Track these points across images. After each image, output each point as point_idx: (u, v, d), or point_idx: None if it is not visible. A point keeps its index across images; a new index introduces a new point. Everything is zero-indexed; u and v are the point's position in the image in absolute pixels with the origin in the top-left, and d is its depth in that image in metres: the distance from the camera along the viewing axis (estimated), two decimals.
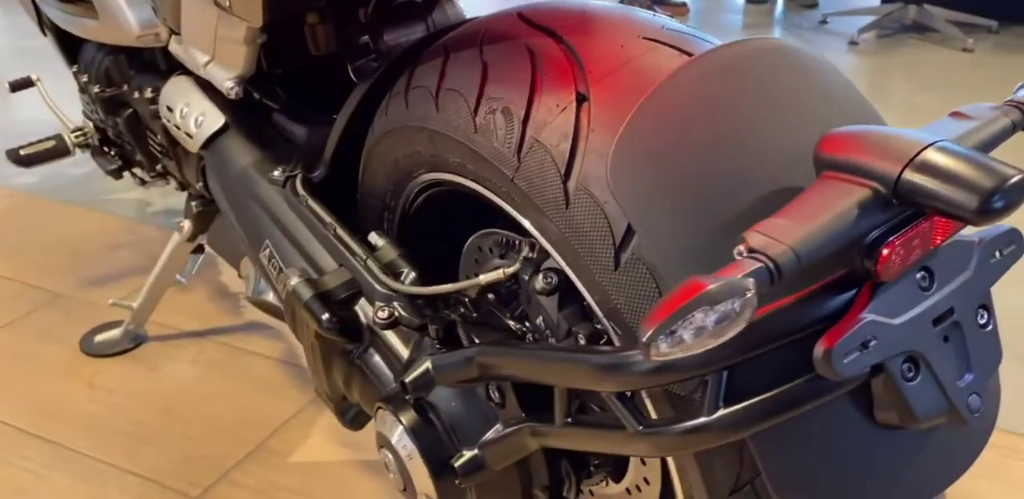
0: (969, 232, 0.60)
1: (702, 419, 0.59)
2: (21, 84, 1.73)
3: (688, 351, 0.49)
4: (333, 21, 1.03)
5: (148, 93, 1.32)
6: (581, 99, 0.67)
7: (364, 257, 0.92)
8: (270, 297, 1.19)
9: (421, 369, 0.81)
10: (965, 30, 3.09)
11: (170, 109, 1.25)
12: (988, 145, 0.56)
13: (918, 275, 0.57)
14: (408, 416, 0.83)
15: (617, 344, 0.69)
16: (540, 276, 0.77)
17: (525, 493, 0.84)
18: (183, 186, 1.45)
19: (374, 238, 0.96)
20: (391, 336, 0.90)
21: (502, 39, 0.74)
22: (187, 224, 1.46)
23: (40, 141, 1.67)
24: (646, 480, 0.85)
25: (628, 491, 0.88)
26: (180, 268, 1.55)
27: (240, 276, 1.32)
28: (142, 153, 1.45)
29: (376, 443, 0.89)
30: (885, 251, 0.54)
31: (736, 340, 0.52)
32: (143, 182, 1.61)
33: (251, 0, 0.85)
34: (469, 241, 0.93)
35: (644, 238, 0.61)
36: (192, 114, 1.21)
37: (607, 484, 0.90)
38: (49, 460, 1.36)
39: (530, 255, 0.77)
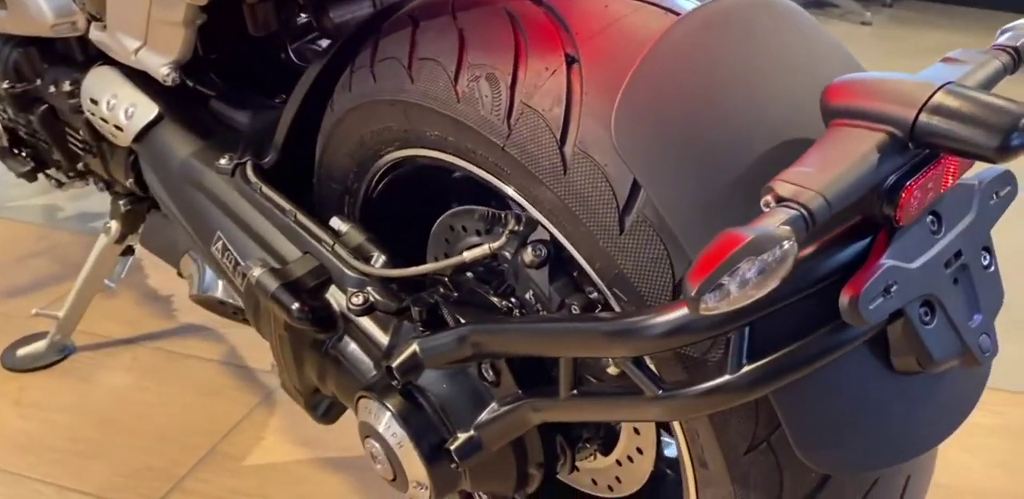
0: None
1: (727, 377, 0.58)
2: None
3: (734, 304, 0.48)
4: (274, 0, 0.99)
5: (66, 86, 1.25)
6: (571, 61, 0.66)
7: (331, 242, 0.89)
8: (219, 293, 1.14)
9: (408, 352, 0.78)
10: (862, 4, 3.19)
11: (95, 102, 1.18)
12: (987, 87, 0.57)
13: (928, 219, 0.58)
14: (395, 402, 0.80)
15: (618, 310, 0.68)
16: (529, 249, 0.75)
17: (520, 472, 0.82)
18: (108, 185, 1.37)
19: (337, 223, 0.92)
20: (367, 322, 0.86)
21: (476, 4, 0.72)
22: (114, 225, 1.39)
23: None
24: (639, 450, 0.84)
25: (619, 462, 0.88)
26: (108, 272, 1.47)
27: (181, 275, 1.26)
28: (60, 152, 1.37)
29: (360, 434, 0.86)
30: (905, 195, 0.54)
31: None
32: (60, 184, 1.52)
33: None
34: (439, 221, 0.91)
35: (655, 197, 0.59)
36: (121, 106, 1.15)
37: (595, 458, 0.89)
38: None
39: (516, 228, 0.76)
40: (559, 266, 0.76)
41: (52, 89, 1.29)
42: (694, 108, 0.60)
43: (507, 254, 0.78)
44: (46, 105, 1.34)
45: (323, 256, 0.89)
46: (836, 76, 0.60)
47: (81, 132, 1.27)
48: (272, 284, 0.88)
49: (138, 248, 1.44)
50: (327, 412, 0.97)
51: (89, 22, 1.18)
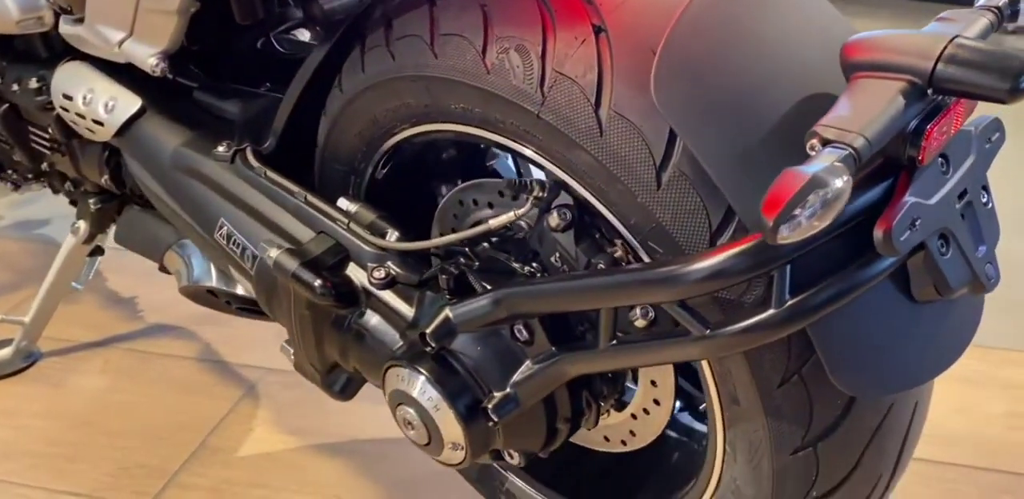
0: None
1: (772, 311, 0.64)
2: None
3: (803, 234, 0.54)
4: None
5: (32, 84, 1.23)
6: (598, 31, 0.70)
7: (346, 221, 0.91)
8: (212, 283, 1.15)
9: (440, 319, 0.81)
10: None
11: (68, 97, 1.17)
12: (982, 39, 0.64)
13: (938, 161, 0.65)
14: (428, 366, 0.83)
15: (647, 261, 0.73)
16: (555, 213, 0.80)
17: (550, 427, 0.86)
18: (75, 184, 1.35)
19: (345, 203, 0.94)
20: (389, 295, 0.89)
21: None
22: (83, 225, 1.37)
23: None
24: (656, 401, 0.89)
25: (633, 416, 0.93)
26: (75, 274, 1.45)
27: (164, 270, 1.26)
28: (23, 152, 1.35)
29: (390, 403, 0.89)
30: (927, 136, 0.60)
31: None
32: (16, 186, 1.49)
33: None
34: (448, 196, 0.94)
35: (695, 149, 0.65)
36: (99, 100, 1.14)
37: (609, 414, 0.94)
38: None
39: (540, 194, 0.80)
40: (583, 228, 0.80)
41: (15, 87, 1.27)
42: (726, 66, 0.65)
43: (529, 221, 0.83)
44: (7, 104, 1.32)
45: (339, 234, 0.92)
46: (841, 36, 0.67)
47: (50, 130, 1.25)
48: (292, 263, 0.90)
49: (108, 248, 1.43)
50: (344, 389, 0.99)
51: (57, 17, 1.17)
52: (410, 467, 1.27)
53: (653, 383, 0.88)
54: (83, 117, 1.17)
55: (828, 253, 0.64)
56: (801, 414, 0.73)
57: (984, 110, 0.67)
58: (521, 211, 0.81)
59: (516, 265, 0.86)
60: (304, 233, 0.94)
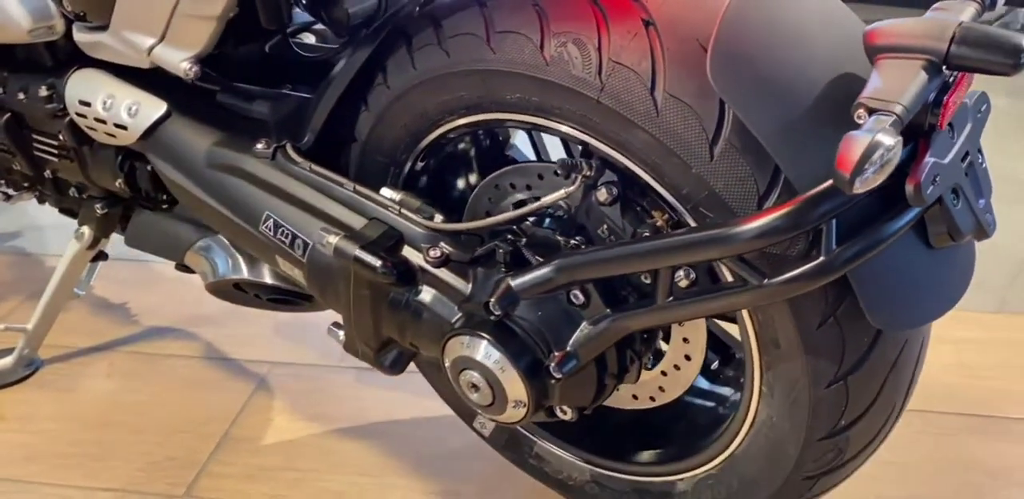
0: None
1: (822, 259, 0.75)
2: None
3: (870, 186, 0.65)
4: None
5: (42, 92, 1.26)
6: (647, 24, 0.81)
7: (398, 207, 0.99)
8: (241, 275, 1.20)
9: (503, 288, 0.90)
10: None
11: (86, 104, 1.21)
12: None
13: (946, 128, 0.77)
14: (492, 332, 0.92)
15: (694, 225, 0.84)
16: (603, 189, 0.89)
17: (600, 382, 0.96)
18: (80, 190, 1.38)
19: (389, 192, 1.02)
20: (444, 273, 0.98)
21: None
22: (87, 230, 1.40)
23: None
24: (687, 357, 1.00)
25: (664, 373, 1.03)
26: (78, 280, 1.48)
27: (184, 269, 1.31)
28: (24, 159, 1.37)
29: (452, 371, 0.97)
30: (945, 106, 0.72)
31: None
32: (7, 197, 1.51)
33: None
34: (484, 181, 1.03)
35: (748, 122, 0.75)
36: (121, 105, 1.19)
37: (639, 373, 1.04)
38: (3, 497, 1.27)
39: (588, 173, 0.89)
40: (627, 201, 0.91)
41: (20, 96, 1.29)
42: (768, 52, 0.76)
43: (577, 198, 0.92)
44: (8, 113, 1.34)
45: (392, 219, 0.99)
46: (852, 25, 0.79)
47: (62, 136, 1.28)
48: (353, 247, 0.97)
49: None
50: (394, 363, 1.06)
51: (68, 25, 1.21)
52: (428, 445, 1.35)
53: (685, 340, 0.99)
54: (103, 122, 1.21)
55: (862, 209, 0.76)
56: (835, 351, 0.84)
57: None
58: (572, 189, 0.90)
59: (561, 238, 0.95)
60: (356, 220, 1.01)
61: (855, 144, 0.64)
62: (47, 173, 1.39)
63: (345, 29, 1.10)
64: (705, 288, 0.85)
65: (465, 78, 0.90)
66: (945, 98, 0.73)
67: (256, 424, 1.39)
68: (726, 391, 1.07)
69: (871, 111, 0.69)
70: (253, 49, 1.20)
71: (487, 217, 1.02)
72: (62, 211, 1.52)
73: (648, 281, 0.92)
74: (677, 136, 0.80)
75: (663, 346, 1.03)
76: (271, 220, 1.07)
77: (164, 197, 1.28)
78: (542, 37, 0.84)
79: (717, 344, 1.07)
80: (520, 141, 1.16)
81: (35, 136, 1.34)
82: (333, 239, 0.98)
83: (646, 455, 1.09)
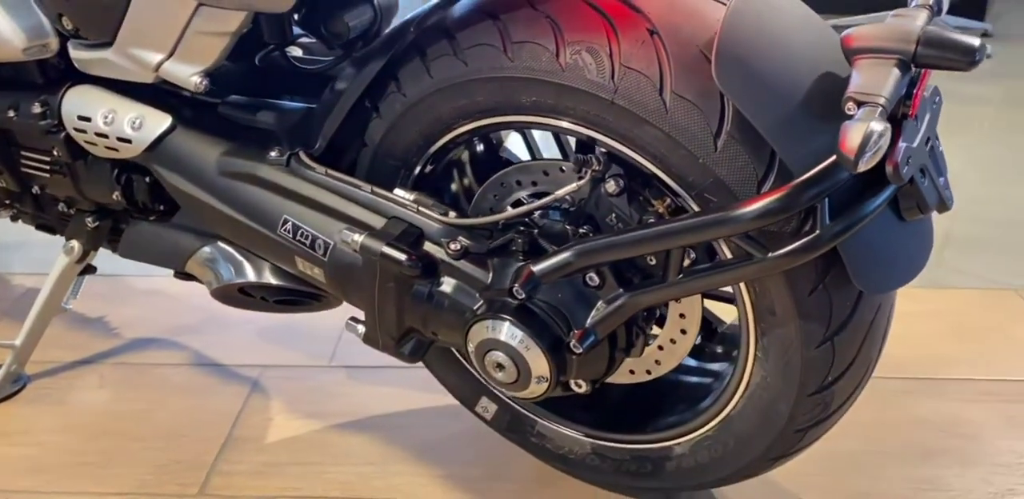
0: None
1: (817, 232, 0.87)
2: None
3: (870, 165, 0.77)
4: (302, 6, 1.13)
5: (36, 109, 1.29)
6: (652, 33, 0.92)
7: (416, 205, 1.08)
8: (246, 279, 1.26)
9: (525, 274, 1.00)
10: None
11: (86, 119, 1.26)
12: None
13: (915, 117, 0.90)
14: (516, 315, 1.01)
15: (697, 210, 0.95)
16: (611, 181, 1.00)
17: (611, 356, 1.06)
18: (70, 204, 1.42)
19: (402, 193, 1.11)
20: (464, 264, 1.06)
21: None
22: (76, 244, 1.43)
23: None
24: (683, 331, 1.11)
25: (660, 347, 1.14)
26: (66, 294, 1.50)
27: (185, 277, 1.36)
28: (11, 176, 1.40)
29: (477, 354, 1.05)
30: (915, 97, 0.85)
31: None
32: None
33: None
34: (491, 179, 1.12)
35: (749, 115, 0.87)
36: (123, 119, 1.24)
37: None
38: None
39: (597, 168, 1.00)
40: (633, 192, 1.01)
41: (11, 114, 1.32)
42: (762, 55, 0.88)
43: (586, 190, 1.02)
44: None
45: (411, 217, 1.08)
46: (826, 31, 0.92)
47: (56, 152, 1.32)
48: (379, 244, 1.05)
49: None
50: (414, 351, 1.14)
51: (63, 43, 1.25)
52: (427, 433, 1.42)
53: (682, 315, 1.10)
54: (105, 136, 1.25)
55: (847, 190, 0.88)
56: (824, 315, 0.96)
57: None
58: (583, 182, 1.01)
59: (569, 228, 1.05)
60: (375, 220, 1.09)
61: (855, 131, 0.77)
62: (34, 189, 1.41)
63: (341, 42, 1.18)
64: (714, 263, 0.96)
65: (484, 84, 1.00)
66: (915, 91, 0.86)
67: (257, 424, 1.45)
68: (714, 365, 1.19)
69: (859, 104, 0.81)
70: (251, 62, 1.26)
71: (491, 213, 1.12)
72: (39, 228, 1.54)
73: (653, 262, 1.02)
74: (685, 130, 0.91)
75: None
76: (289, 223, 1.14)
77: (161, 207, 1.33)
78: (557, 46, 0.94)
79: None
80: (511, 143, 1.26)
81: (24, 153, 1.37)
82: (358, 237, 1.06)
83: (643, 425, 1.20)
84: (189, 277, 1.36)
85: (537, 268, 0.99)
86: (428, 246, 1.07)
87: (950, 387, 1.54)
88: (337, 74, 1.16)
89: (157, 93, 1.24)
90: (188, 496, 1.31)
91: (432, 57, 1.03)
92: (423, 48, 1.04)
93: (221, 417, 1.46)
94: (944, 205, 0.94)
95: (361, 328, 1.15)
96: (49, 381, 1.54)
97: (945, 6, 0.90)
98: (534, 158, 1.21)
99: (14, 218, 1.54)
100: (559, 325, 1.02)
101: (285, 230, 1.14)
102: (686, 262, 1.00)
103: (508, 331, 1.02)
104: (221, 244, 1.28)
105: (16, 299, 1.79)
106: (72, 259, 1.44)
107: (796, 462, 1.16)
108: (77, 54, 1.24)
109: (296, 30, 1.21)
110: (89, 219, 1.40)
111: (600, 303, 1.02)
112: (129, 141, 1.24)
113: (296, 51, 1.36)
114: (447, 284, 1.07)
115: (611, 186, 1.00)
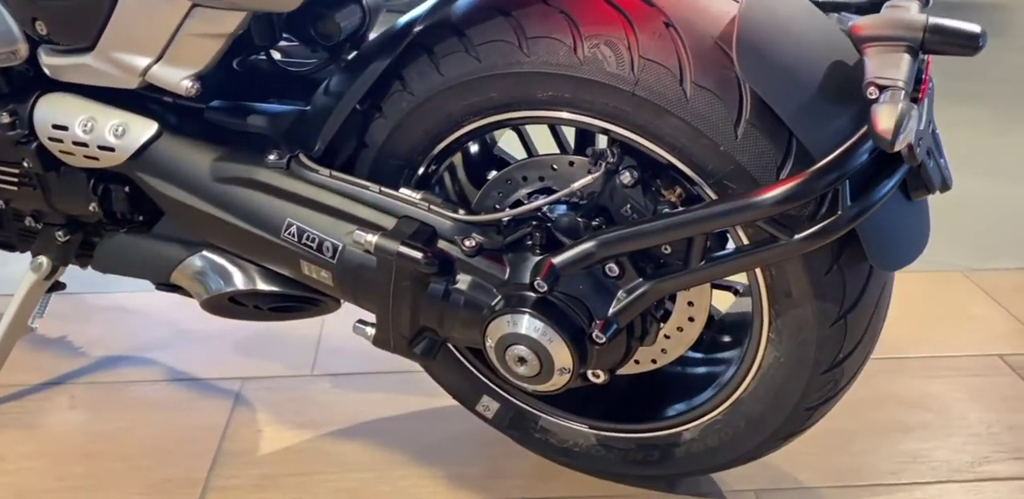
0: None
1: (839, 213, 0.91)
2: None
3: (903, 144, 0.81)
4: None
5: (4, 119, 1.24)
6: (668, 25, 0.94)
7: (427, 204, 1.07)
8: (238, 285, 1.23)
9: (546, 266, 1.00)
10: None
11: (62, 128, 1.21)
12: None
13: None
14: (538, 308, 1.02)
15: (715, 198, 0.98)
16: (626, 173, 1.02)
17: (628, 346, 1.08)
18: (37, 218, 1.36)
19: (408, 192, 1.10)
20: (480, 261, 1.07)
21: None
22: (44, 260, 1.38)
23: None
24: (691, 318, 1.14)
25: (667, 336, 1.16)
26: (33, 312, 1.44)
27: (167, 289, 1.32)
28: None
29: (497, 349, 1.06)
30: (924, 81, 0.90)
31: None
32: None
33: None
34: (495, 176, 1.13)
35: (771, 101, 0.90)
36: (104, 127, 1.20)
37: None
38: None
39: (611, 160, 1.01)
40: (646, 182, 1.03)
41: None
42: (778, 43, 0.91)
43: (600, 183, 1.03)
44: None
45: (422, 215, 1.07)
46: (826, 21, 0.96)
47: (26, 163, 1.27)
48: (394, 243, 1.04)
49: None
50: (426, 352, 1.13)
51: (32, 49, 1.20)
52: (422, 436, 1.41)
53: (690, 303, 1.13)
54: (84, 145, 1.21)
55: (862, 173, 0.92)
56: (838, 294, 1.00)
57: None
58: (598, 174, 1.02)
59: (581, 220, 1.07)
60: (385, 220, 1.08)
61: (887, 113, 0.81)
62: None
63: (330, 44, 1.17)
64: (737, 248, 0.99)
65: (499, 80, 1.00)
66: (923, 76, 0.91)
67: (246, 437, 1.41)
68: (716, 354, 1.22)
69: (881, 88, 0.85)
70: (234, 65, 1.23)
71: (495, 210, 1.12)
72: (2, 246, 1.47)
73: (668, 252, 1.04)
74: (706, 119, 0.94)
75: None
76: (294, 227, 1.12)
77: (140, 217, 1.29)
78: (574, 40, 0.96)
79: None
80: (503, 143, 1.27)
81: None
82: (372, 238, 1.05)
83: (650, 413, 1.22)
84: (173, 289, 1.32)
85: (558, 260, 1.00)
86: (442, 244, 1.07)
87: (914, 365, 1.61)
88: (329, 76, 1.16)
89: (136, 99, 1.21)
90: None
91: (441, 55, 1.03)
92: (430, 46, 1.04)
93: (207, 432, 1.42)
94: (946, 185, 0.99)
95: (370, 330, 1.14)
96: (16, 405, 1.47)
97: None
98: (530, 155, 1.22)
99: None
100: (580, 316, 1.03)
101: (289, 234, 1.12)
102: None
103: (530, 324, 1.02)
104: (208, 253, 1.25)
105: None
106: (40, 276, 1.39)
107: None
108: (50, 60, 1.19)
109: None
110: (59, 233, 1.35)
111: (620, 293, 1.03)
112: (112, 149, 1.20)
113: (275, 54, 1.34)
114: (463, 281, 1.07)
115: (626, 177, 1.02)
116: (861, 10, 1.00)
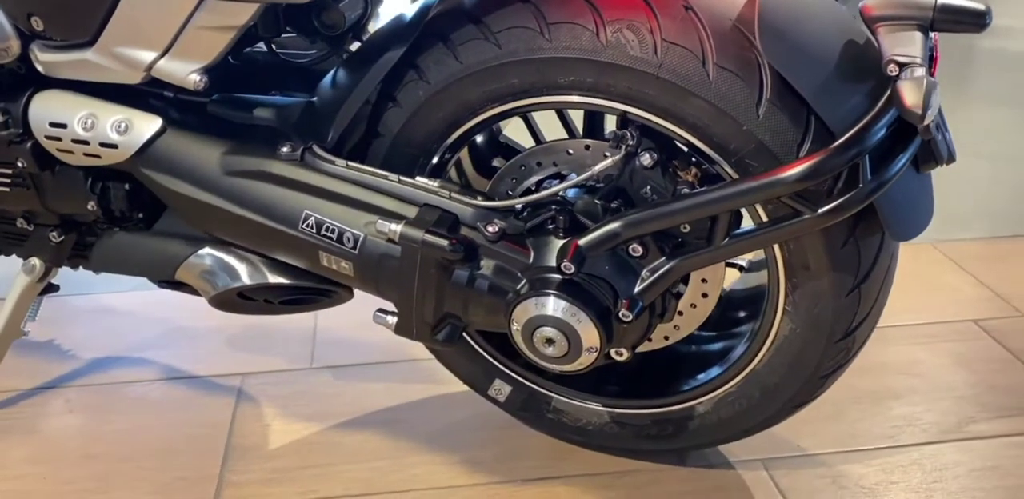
0: None
1: (860, 186, 0.94)
2: None
3: (932, 117, 0.85)
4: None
5: None
6: (687, 8, 0.96)
7: (447, 192, 1.08)
8: (246, 280, 1.22)
9: (572, 248, 1.02)
10: None
11: (60, 126, 1.19)
12: None
13: None
14: (565, 289, 1.04)
15: (736, 176, 1.01)
16: (646, 155, 1.04)
17: (649, 323, 1.10)
18: (29, 219, 1.32)
19: (425, 181, 1.11)
20: (504, 246, 1.08)
21: None
22: (37, 262, 1.35)
23: None
24: (704, 295, 1.17)
25: (680, 313, 1.19)
26: (26, 315, 1.40)
27: (170, 286, 1.30)
28: None
29: (524, 332, 1.07)
30: (934, 58, 0.94)
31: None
32: None
33: None
34: (510, 162, 1.14)
35: (792, 80, 0.93)
36: (106, 123, 1.17)
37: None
38: None
39: (631, 143, 1.03)
40: (664, 164, 1.06)
41: None
42: (798, 24, 0.95)
43: (619, 165, 1.05)
44: None
45: (444, 203, 1.08)
46: (836, 4, 1.00)
47: (20, 163, 1.24)
48: (419, 231, 1.05)
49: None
50: (449, 338, 1.14)
51: (25, 46, 1.17)
52: (430, 423, 1.42)
53: (704, 280, 1.16)
54: (85, 143, 1.18)
55: (878, 147, 0.96)
56: (853, 265, 1.04)
57: None
58: (619, 157, 1.04)
59: (599, 203, 1.09)
60: (406, 208, 1.09)
61: (914, 88, 0.84)
62: None
63: (334, 34, 1.17)
64: (760, 224, 1.02)
65: (520, 66, 1.01)
66: (934, 53, 0.95)
67: (254, 432, 1.40)
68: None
69: (901, 65, 0.88)
70: (236, 57, 1.22)
71: (509, 196, 1.14)
72: None
73: (687, 230, 1.07)
74: (729, 100, 0.96)
75: None
76: (312, 218, 1.11)
77: (140, 215, 1.27)
78: (596, 25, 0.97)
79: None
80: (507, 130, 1.28)
81: None
82: (396, 227, 1.06)
83: (662, 389, 1.25)
84: (175, 286, 1.30)
85: (583, 242, 1.02)
86: (464, 231, 1.08)
87: (896, 333, 1.67)
88: (333, 66, 1.15)
89: (136, 94, 1.19)
90: None
91: (459, 42, 1.04)
92: (445, 34, 1.05)
93: (213, 429, 1.41)
94: (951, 157, 1.03)
95: (392, 319, 1.15)
96: (11, 411, 1.44)
97: None
98: (538, 142, 1.23)
99: None
100: (606, 296, 1.05)
101: (307, 226, 1.12)
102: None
103: (559, 306, 1.04)
104: (214, 249, 1.24)
105: None
106: (33, 278, 1.36)
107: None
108: (45, 56, 1.16)
109: None
110: (53, 234, 1.32)
111: (644, 271, 1.06)
112: (115, 146, 1.17)
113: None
114: (487, 267, 1.09)
115: (646, 159, 1.04)
116: None
